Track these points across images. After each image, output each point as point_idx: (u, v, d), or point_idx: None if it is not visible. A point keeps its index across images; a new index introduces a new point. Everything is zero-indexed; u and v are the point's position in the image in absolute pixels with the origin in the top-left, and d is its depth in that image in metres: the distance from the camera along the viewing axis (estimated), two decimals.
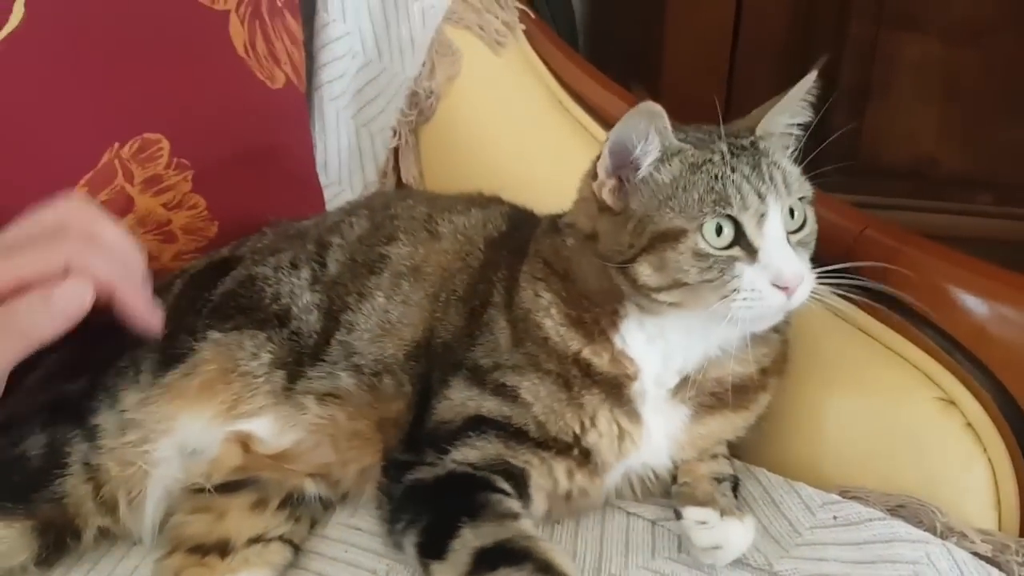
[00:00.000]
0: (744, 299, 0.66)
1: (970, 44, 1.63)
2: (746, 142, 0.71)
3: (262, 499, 0.74)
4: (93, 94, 0.88)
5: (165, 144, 0.91)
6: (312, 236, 0.85)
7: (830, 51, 1.65)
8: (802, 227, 0.70)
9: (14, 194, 0.83)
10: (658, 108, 0.67)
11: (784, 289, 0.66)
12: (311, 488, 0.77)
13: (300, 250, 0.83)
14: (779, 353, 0.77)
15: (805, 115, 0.75)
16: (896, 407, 0.76)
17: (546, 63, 1.09)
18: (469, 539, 0.64)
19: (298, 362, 0.77)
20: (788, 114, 0.74)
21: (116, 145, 0.89)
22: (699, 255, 0.66)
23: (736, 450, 0.80)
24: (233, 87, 0.96)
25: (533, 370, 0.72)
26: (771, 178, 0.68)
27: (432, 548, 0.66)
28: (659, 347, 0.72)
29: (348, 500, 0.79)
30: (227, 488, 0.74)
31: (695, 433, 0.74)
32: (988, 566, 0.70)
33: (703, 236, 0.66)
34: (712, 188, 0.67)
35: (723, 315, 0.66)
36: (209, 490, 0.73)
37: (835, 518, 0.72)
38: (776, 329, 0.75)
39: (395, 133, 1.08)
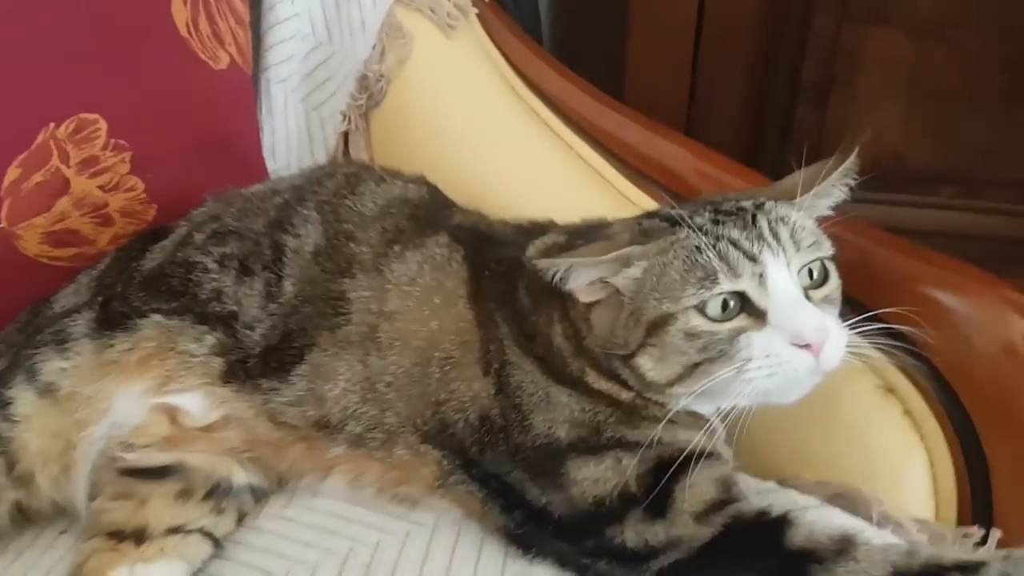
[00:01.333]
0: (759, 367, 0.62)
1: (935, 39, 1.63)
2: (745, 204, 0.67)
3: (187, 489, 0.73)
4: (28, 72, 0.86)
5: (102, 124, 0.89)
6: (263, 231, 0.80)
7: (794, 46, 1.67)
8: (824, 283, 0.66)
9: None
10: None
11: (807, 347, 0.61)
12: (241, 478, 0.75)
13: (252, 251, 0.79)
14: None
15: (841, 195, 0.71)
16: (835, 395, 0.75)
17: (499, 48, 1.08)
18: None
19: (242, 361, 0.75)
20: (829, 198, 0.71)
21: (51, 125, 0.87)
22: (692, 335, 0.63)
23: None
24: (174, 67, 0.94)
25: (616, 417, 0.68)
26: (772, 235, 0.64)
27: None
28: None
29: (285, 487, 0.77)
30: (152, 475, 0.73)
31: None
32: None
33: (700, 314, 0.63)
34: (693, 265, 0.63)
35: (741, 391, 0.62)
36: (138, 472, 0.72)
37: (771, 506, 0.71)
38: None
39: (345, 117, 1.06)
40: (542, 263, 0.65)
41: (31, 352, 0.77)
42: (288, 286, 0.76)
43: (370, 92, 1.05)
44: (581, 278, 0.66)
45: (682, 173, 0.97)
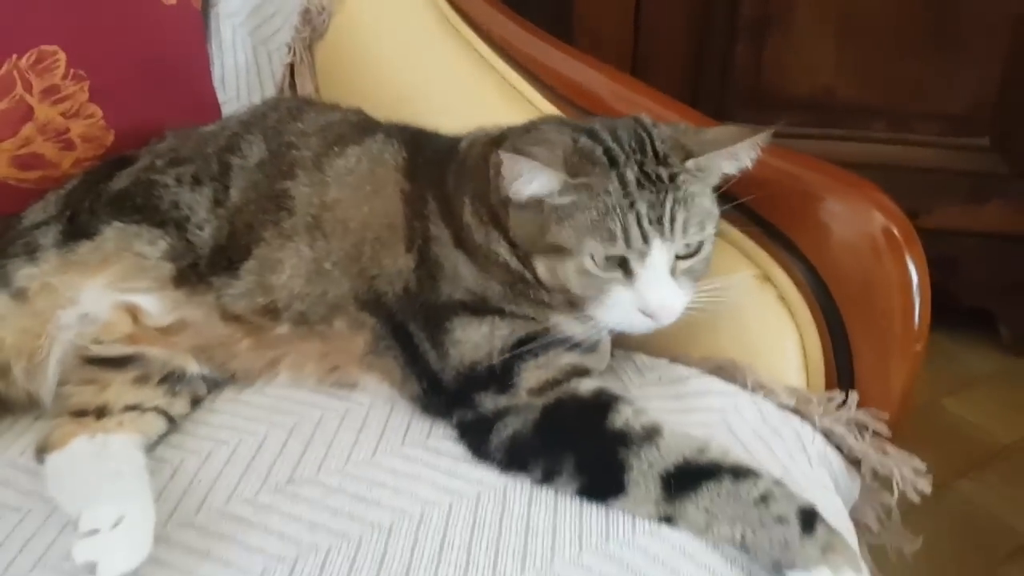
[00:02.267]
0: (613, 314, 0.73)
1: None
2: (664, 173, 0.73)
3: (144, 375, 0.82)
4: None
5: (61, 55, 0.96)
6: (212, 153, 0.89)
7: None
8: (694, 254, 0.74)
9: None
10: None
11: (650, 316, 0.72)
12: (194, 368, 0.84)
13: (203, 168, 0.88)
14: None
15: (747, 164, 0.77)
16: (719, 284, 0.85)
17: None
18: (643, 469, 0.67)
19: (193, 265, 0.84)
20: (733, 164, 0.76)
21: (14, 56, 0.94)
22: (583, 273, 0.73)
23: None
24: (128, 2, 1.01)
25: (512, 292, 0.77)
26: (670, 219, 0.71)
27: (602, 488, 0.68)
28: None
29: (238, 381, 0.86)
30: (113, 363, 0.82)
31: None
32: (790, 415, 0.80)
33: (591, 260, 0.72)
34: (604, 220, 0.71)
35: (594, 317, 0.74)
36: (101, 360, 0.81)
37: (660, 378, 0.82)
38: None
39: (290, 49, 1.13)
40: (506, 152, 0.71)
41: (3, 261, 0.85)
42: (234, 192, 0.86)
43: (313, 25, 1.12)
44: (529, 182, 0.72)
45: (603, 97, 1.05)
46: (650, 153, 0.74)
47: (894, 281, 0.80)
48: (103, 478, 0.70)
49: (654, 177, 0.73)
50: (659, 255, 0.72)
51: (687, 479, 0.66)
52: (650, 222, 0.71)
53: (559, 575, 0.64)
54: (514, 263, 0.77)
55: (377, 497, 0.71)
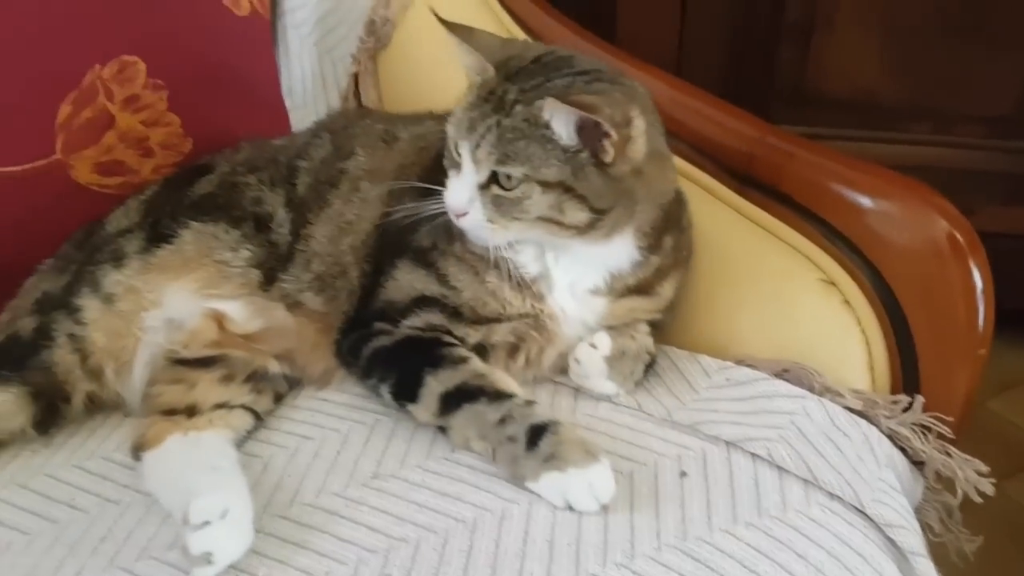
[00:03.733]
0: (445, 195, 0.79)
1: None
2: (512, 99, 0.75)
3: (229, 374, 0.85)
4: (76, 20, 0.97)
5: (141, 65, 1.00)
6: (283, 160, 0.95)
7: None
8: (503, 186, 0.75)
9: (7, 110, 0.93)
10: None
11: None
12: (275, 367, 0.88)
13: (275, 172, 0.94)
14: (675, 254, 0.86)
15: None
16: (783, 288, 0.87)
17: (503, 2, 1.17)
18: (434, 386, 0.78)
19: (273, 268, 0.89)
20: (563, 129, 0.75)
21: (97, 66, 0.98)
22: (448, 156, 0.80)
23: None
24: (202, 14, 1.04)
25: (457, 259, 0.83)
26: (480, 135, 0.75)
27: (405, 394, 0.80)
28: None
29: (315, 382, 0.90)
30: (200, 363, 0.85)
31: (612, 311, 0.85)
32: (857, 418, 0.81)
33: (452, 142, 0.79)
34: (459, 113, 0.78)
35: None
36: (188, 360, 0.84)
37: (727, 380, 0.84)
38: (669, 232, 0.85)
39: (355, 59, 1.16)
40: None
41: (92, 268, 0.88)
42: (300, 188, 0.92)
43: (377, 36, 1.15)
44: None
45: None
46: (535, 81, 0.76)
47: (958, 286, 0.81)
48: (201, 472, 0.73)
49: (505, 100, 0.76)
50: (467, 163, 0.76)
51: (457, 399, 0.77)
52: (469, 130, 0.76)
53: (640, 570, 0.66)
54: None
55: (459, 492, 0.74)
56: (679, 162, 0.93)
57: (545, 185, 0.75)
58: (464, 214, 0.77)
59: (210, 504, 0.65)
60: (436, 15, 0.82)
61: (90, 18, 0.97)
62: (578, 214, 0.76)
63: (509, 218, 0.77)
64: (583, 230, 0.77)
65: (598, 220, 0.77)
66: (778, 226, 0.90)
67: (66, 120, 0.97)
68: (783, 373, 0.84)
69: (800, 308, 0.86)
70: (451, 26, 0.81)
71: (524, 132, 0.74)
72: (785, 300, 0.87)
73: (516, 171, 0.74)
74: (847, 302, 0.86)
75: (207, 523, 0.65)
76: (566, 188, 0.75)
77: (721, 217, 0.93)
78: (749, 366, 0.85)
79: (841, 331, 0.86)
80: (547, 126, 0.74)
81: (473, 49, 0.79)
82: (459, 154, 0.77)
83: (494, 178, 0.76)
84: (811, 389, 0.83)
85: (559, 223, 0.76)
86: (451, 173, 0.79)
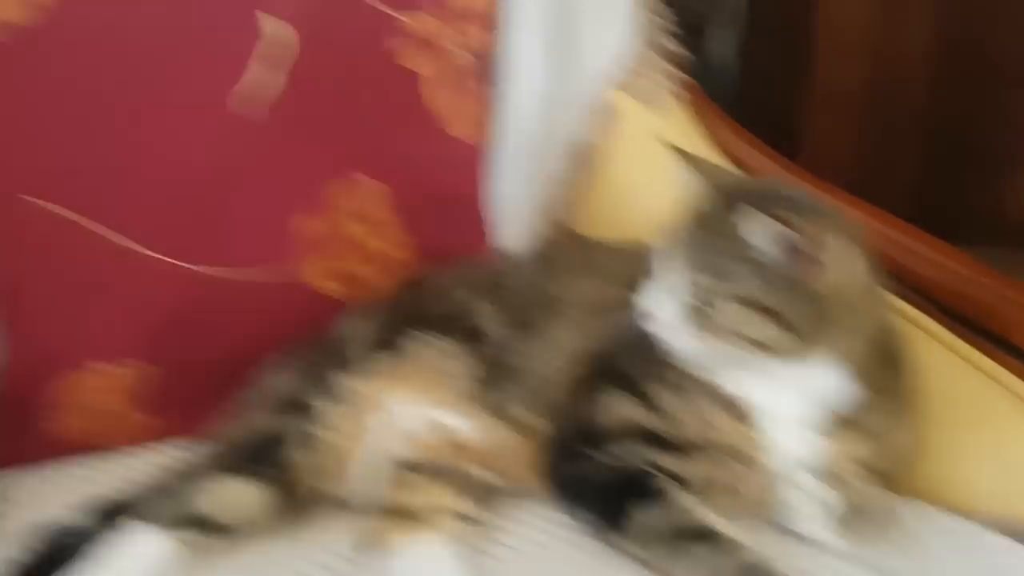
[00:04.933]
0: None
1: None
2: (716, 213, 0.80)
3: (451, 482, 0.88)
4: (320, 138, 1.07)
5: (371, 184, 1.09)
6: (500, 280, 1.02)
7: (970, 119, 1.72)
8: (702, 302, 0.78)
9: (243, 224, 1.02)
10: None
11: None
12: (495, 480, 0.90)
13: (493, 290, 1.00)
14: (895, 394, 0.85)
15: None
16: (1014, 440, 0.82)
17: (705, 129, 1.21)
18: (642, 519, 0.78)
19: (491, 382, 0.93)
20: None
21: (338, 180, 1.07)
22: None
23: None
24: (431, 138, 1.13)
25: (667, 383, 0.84)
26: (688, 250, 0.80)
27: (609, 525, 0.80)
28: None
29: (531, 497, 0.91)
30: (422, 469, 0.89)
31: (829, 450, 0.83)
32: None
33: None
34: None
35: None
36: (410, 466, 0.89)
37: (959, 540, 0.79)
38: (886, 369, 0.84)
39: (562, 185, 1.22)
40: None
41: (322, 372, 0.95)
42: (514, 307, 0.98)
43: (585, 164, 1.21)
44: None
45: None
46: (747, 203, 0.78)
47: None
48: None
49: (712, 218, 0.80)
50: (667, 271, 0.79)
51: (674, 539, 0.76)
52: (675, 241, 0.80)
53: None
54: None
55: None
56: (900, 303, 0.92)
57: (742, 301, 0.77)
58: (657, 319, 0.80)
59: None
60: (665, 143, 0.88)
61: (331, 138, 1.08)
62: (772, 333, 0.77)
63: (704, 330, 0.79)
64: (776, 350, 0.78)
65: (793, 341, 0.77)
66: (1010, 378, 0.86)
67: (300, 229, 1.06)
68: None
69: None
70: (677, 149, 0.87)
71: (726, 249, 0.78)
72: (1016, 452, 0.82)
73: (714, 285, 0.77)
74: None
75: None
76: (762, 307, 0.77)
77: (946, 364, 0.90)
78: (982, 525, 0.80)
79: None
80: (748, 244, 0.77)
81: (694, 170, 0.85)
82: (661, 264, 0.81)
83: (690, 288, 0.79)
84: None
85: (750, 339, 0.77)
86: (651, 283, 0.82)
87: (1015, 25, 1.77)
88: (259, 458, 0.88)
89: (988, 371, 0.87)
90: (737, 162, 1.17)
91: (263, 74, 1.04)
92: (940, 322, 0.93)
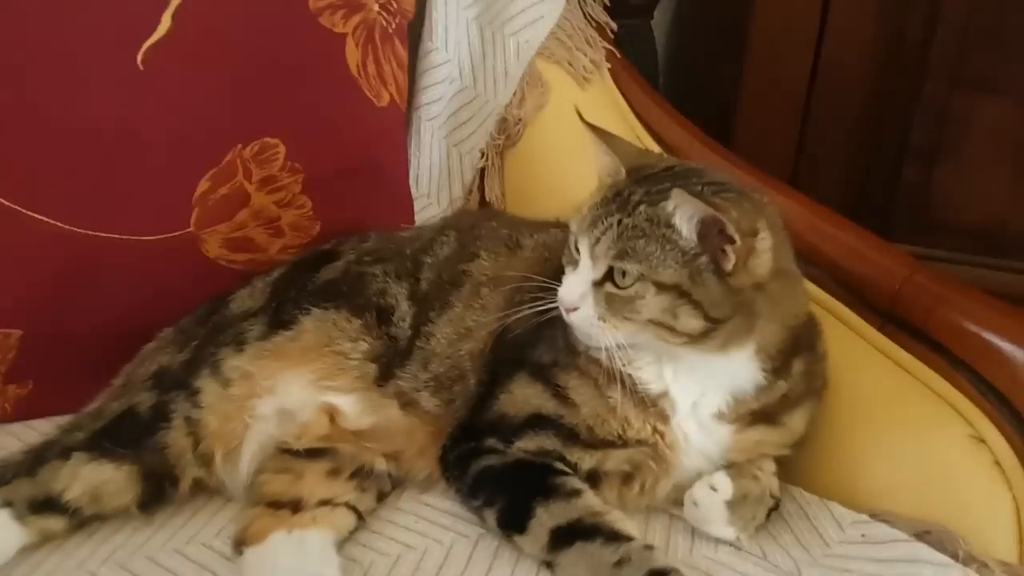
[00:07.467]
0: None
1: None
2: (637, 200, 0.75)
3: (336, 468, 0.84)
4: (223, 100, 1.00)
5: (281, 148, 1.02)
6: (409, 254, 0.96)
7: (903, 110, 1.71)
8: (617, 284, 0.74)
9: (149, 181, 0.96)
10: None
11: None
12: (381, 465, 0.86)
13: (400, 265, 0.94)
14: (806, 382, 0.82)
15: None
16: (928, 440, 0.81)
17: (628, 102, 1.17)
18: (544, 519, 0.75)
19: (390, 363, 0.87)
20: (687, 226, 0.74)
21: (239, 146, 1.00)
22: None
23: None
24: (344, 102, 1.07)
25: (579, 373, 0.80)
26: (600, 231, 0.75)
27: (512, 523, 0.77)
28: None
29: (419, 484, 0.87)
30: (308, 455, 0.84)
31: (736, 442, 0.81)
32: None
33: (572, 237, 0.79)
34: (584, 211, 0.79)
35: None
36: (296, 452, 0.83)
37: (863, 536, 0.78)
38: (799, 357, 0.81)
39: (483, 154, 1.17)
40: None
41: (214, 350, 0.88)
42: (423, 284, 0.92)
43: (508, 133, 1.16)
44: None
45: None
46: (662, 186, 0.75)
47: None
48: None
49: (630, 200, 0.75)
50: (585, 258, 0.76)
51: (570, 536, 0.73)
52: (591, 226, 0.75)
53: None
54: None
55: None
56: (815, 289, 0.89)
57: (660, 286, 0.73)
58: (575, 309, 0.75)
59: None
60: (581, 116, 0.83)
61: (238, 99, 1.00)
62: (691, 321, 0.74)
63: (620, 317, 0.75)
64: (696, 338, 0.74)
65: (712, 330, 0.74)
66: (923, 370, 0.84)
67: (203, 195, 0.99)
68: (924, 535, 0.77)
69: (945, 464, 0.80)
70: (594, 128, 0.83)
71: (645, 231, 0.74)
72: (929, 453, 0.81)
73: (632, 268, 0.73)
74: (998, 463, 0.80)
75: None
76: (681, 292, 0.73)
77: (860, 353, 0.87)
78: (887, 522, 0.79)
79: (989, 494, 0.80)
80: (669, 226, 0.73)
81: (611, 151, 0.80)
82: (578, 250, 0.77)
83: (609, 275, 0.75)
84: (954, 556, 0.76)
85: (671, 328, 0.74)
86: (568, 269, 0.78)
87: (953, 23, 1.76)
88: (133, 441, 0.82)
89: (904, 364, 0.85)
90: (661, 141, 1.14)
91: (175, 31, 0.95)
92: (861, 315, 0.90)
